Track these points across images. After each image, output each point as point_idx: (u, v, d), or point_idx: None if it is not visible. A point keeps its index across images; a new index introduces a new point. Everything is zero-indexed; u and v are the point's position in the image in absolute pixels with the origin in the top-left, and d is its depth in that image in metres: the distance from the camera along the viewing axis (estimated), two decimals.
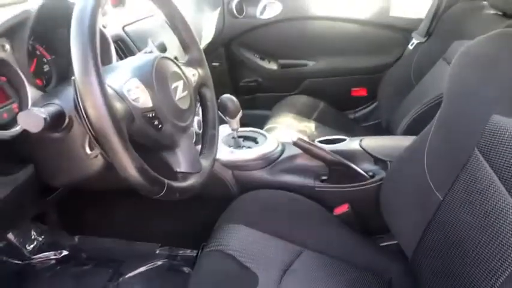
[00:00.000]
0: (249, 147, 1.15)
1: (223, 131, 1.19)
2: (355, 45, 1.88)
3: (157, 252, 1.24)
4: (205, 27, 1.74)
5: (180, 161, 0.69)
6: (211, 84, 0.88)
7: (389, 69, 1.79)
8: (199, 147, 0.85)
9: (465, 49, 0.78)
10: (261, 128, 1.64)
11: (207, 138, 0.83)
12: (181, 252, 1.24)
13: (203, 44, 1.70)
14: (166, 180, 0.60)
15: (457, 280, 0.67)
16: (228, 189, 1.11)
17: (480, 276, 0.62)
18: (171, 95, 0.67)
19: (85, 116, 0.54)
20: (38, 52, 0.77)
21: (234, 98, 1.08)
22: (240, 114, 1.10)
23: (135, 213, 1.23)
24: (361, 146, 1.10)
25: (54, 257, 1.23)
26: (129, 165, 0.53)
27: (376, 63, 1.89)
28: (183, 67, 0.78)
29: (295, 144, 1.07)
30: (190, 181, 0.68)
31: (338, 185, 1.07)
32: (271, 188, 1.09)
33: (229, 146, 1.16)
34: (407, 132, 1.32)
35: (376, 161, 1.08)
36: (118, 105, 0.56)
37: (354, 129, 1.83)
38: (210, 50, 1.78)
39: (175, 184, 0.63)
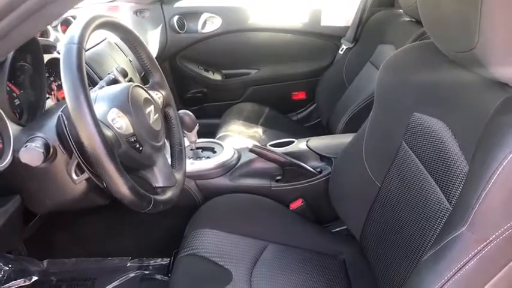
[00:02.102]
0: (208, 157, 1.24)
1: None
2: (292, 53, 2.00)
3: (129, 265, 1.29)
4: (149, 45, 1.78)
5: (158, 177, 0.77)
6: (173, 103, 0.97)
7: (324, 73, 1.94)
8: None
9: (391, 57, 0.91)
10: (213, 136, 1.73)
11: (175, 154, 0.91)
12: (152, 262, 1.29)
13: None
14: (152, 196, 0.69)
15: (395, 253, 0.79)
16: (193, 198, 1.19)
17: (414, 247, 0.73)
18: (147, 119, 0.75)
19: (75, 146, 0.61)
20: (8, 88, 0.81)
21: (190, 112, 1.16)
22: (196, 128, 1.18)
23: (102, 229, 1.27)
24: (308, 147, 1.24)
25: (24, 283, 1.23)
26: (122, 186, 0.61)
27: (312, 68, 2.02)
28: (149, 91, 0.86)
29: (251, 150, 1.18)
30: (169, 194, 0.77)
31: (291, 183, 1.19)
32: (232, 193, 1.19)
33: (189, 158, 1.24)
34: (346, 130, 1.48)
35: (322, 158, 1.22)
36: (108, 134, 0.64)
37: (298, 130, 1.94)
38: None
39: (159, 198, 0.72)
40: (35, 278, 1.26)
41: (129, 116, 0.70)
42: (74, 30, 0.63)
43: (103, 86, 0.90)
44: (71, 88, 0.58)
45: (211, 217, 1.12)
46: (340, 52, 1.88)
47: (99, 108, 0.68)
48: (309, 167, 1.18)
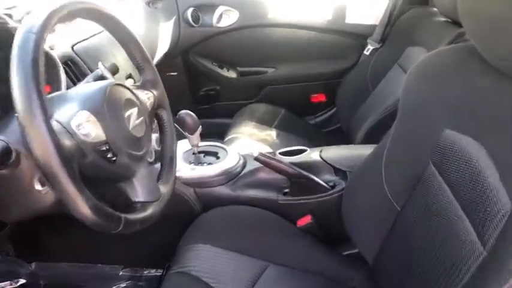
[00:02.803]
0: (210, 163, 1.13)
1: (183, 146, 1.17)
2: (313, 52, 1.88)
3: (120, 274, 1.20)
4: (161, 38, 1.70)
5: (138, 191, 0.67)
6: (167, 105, 0.86)
7: (347, 75, 1.82)
8: (158, 166, 0.83)
9: (421, 61, 0.79)
10: (222, 137, 1.66)
11: (165, 162, 0.81)
12: (145, 272, 1.20)
13: (159, 55, 1.66)
14: (122, 215, 0.58)
15: (415, 285, 0.69)
16: (191, 207, 1.09)
17: (437, 282, 0.63)
18: (125, 124, 0.65)
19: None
20: None
21: (192, 113, 1.06)
22: (199, 130, 1.08)
23: (94, 235, 1.18)
24: (321, 157, 1.11)
25: (10, 286, 1.16)
26: (81, 206, 0.51)
27: (333, 69, 1.90)
28: (137, 91, 0.76)
29: (256, 159, 1.06)
30: (149, 211, 0.66)
31: (300, 197, 1.08)
32: (234, 204, 1.08)
33: (190, 163, 1.14)
34: (366, 140, 1.35)
35: (336, 171, 1.09)
36: (67, 143, 0.54)
37: (315, 135, 1.84)
38: (166, 60, 1.74)
39: (134, 216, 0.61)
40: (22, 281, 1.18)
41: (102, 120, 0.60)
42: (35, 17, 0.52)
43: (89, 82, 0.81)
44: (21, 86, 0.48)
45: (208, 230, 1.01)
46: (366, 53, 1.75)
47: (66, 111, 0.58)
48: (320, 181, 1.06)
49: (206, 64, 1.93)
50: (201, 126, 1.08)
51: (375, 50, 1.73)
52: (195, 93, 2.02)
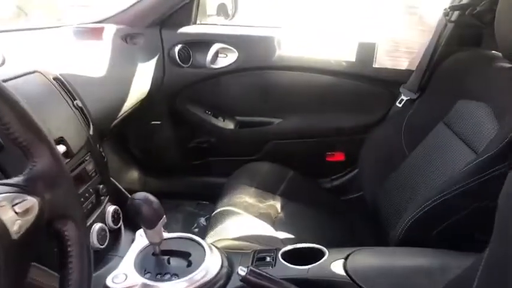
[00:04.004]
0: (175, 275, 0.76)
1: (139, 242, 0.83)
2: (330, 101, 1.62)
3: None
4: (140, 80, 1.41)
5: None
6: (74, 214, 0.48)
7: (373, 131, 1.53)
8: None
9: None
10: (216, 199, 1.40)
11: None
12: None
13: (136, 99, 1.37)
14: None
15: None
16: None
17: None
18: None
19: None
20: None
21: (151, 197, 0.74)
22: (163, 221, 0.76)
23: None
24: (346, 271, 0.74)
25: None
26: None
27: (356, 123, 1.64)
28: (14, 195, 0.39)
29: (243, 280, 0.68)
30: None
31: None
32: None
33: (145, 273, 0.76)
34: (408, 237, 0.98)
35: None
36: None
37: (331, 204, 1.53)
38: (146, 106, 1.47)
39: None
40: None
41: None
42: None
43: None
44: None
45: None
46: (398, 105, 1.47)
47: None
48: None
49: (197, 112, 1.68)
50: (164, 217, 0.76)
51: (410, 102, 1.44)
52: (184, 146, 1.77)
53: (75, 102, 0.90)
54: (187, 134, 1.75)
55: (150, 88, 1.43)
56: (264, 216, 1.29)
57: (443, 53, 1.36)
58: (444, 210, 0.94)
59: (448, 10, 1.36)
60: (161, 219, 0.74)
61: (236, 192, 1.40)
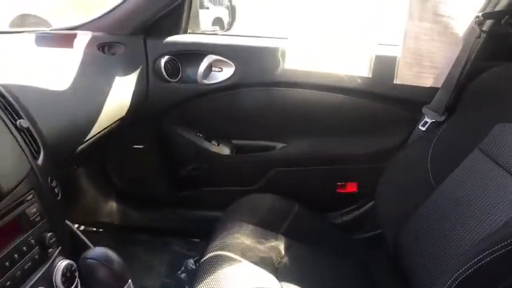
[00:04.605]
0: None
1: None
2: (341, 123, 1.49)
3: None
4: (116, 95, 1.24)
5: None
6: None
7: (392, 158, 1.38)
8: None
9: None
10: (206, 237, 1.28)
11: None
12: None
13: (110, 120, 1.19)
14: None
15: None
16: None
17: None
18: None
19: None
20: None
21: (113, 255, 0.66)
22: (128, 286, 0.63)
23: None
24: None
25: None
26: None
27: (371, 149, 1.52)
28: None
29: None
30: None
31: None
32: None
33: None
34: None
35: None
36: None
37: (342, 245, 1.36)
38: (126, 127, 1.31)
39: None
40: None
41: None
42: None
43: None
44: None
45: None
46: (421, 128, 1.32)
47: None
48: None
49: (187, 135, 1.55)
50: (130, 282, 0.66)
51: (435, 125, 1.28)
52: (172, 174, 1.64)
53: (18, 122, 0.69)
54: (176, 160, 1.62)
55: (131, 106, 1.25)
56: (264, 263, 1.13)
57: (472, 69, 1.23)
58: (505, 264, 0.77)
59: (482, 18, 1.21)
60: (125, 285, 0.55)
61: (232, 231, 1.24)
